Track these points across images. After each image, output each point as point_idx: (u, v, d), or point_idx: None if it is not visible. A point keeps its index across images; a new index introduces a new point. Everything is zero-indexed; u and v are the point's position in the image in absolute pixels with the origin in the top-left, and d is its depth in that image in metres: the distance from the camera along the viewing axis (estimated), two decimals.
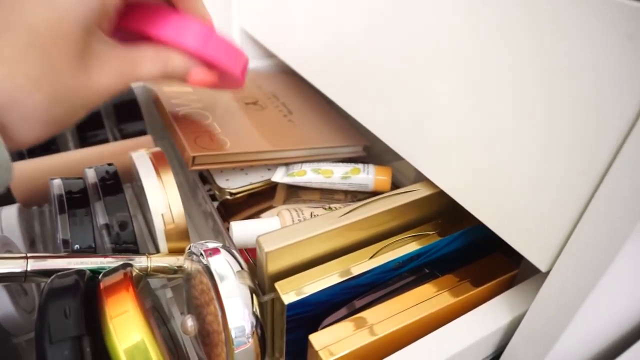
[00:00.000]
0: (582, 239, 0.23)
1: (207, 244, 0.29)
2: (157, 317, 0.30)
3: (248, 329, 0.26)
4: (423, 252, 0.33)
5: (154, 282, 0.35)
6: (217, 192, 0.43)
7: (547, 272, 0.25)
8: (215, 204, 0.44)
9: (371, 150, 0.50)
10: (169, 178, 0.35)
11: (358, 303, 0.32)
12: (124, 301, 0.25)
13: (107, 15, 0.27)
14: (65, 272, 0.27)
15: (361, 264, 0.31)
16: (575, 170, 0.22)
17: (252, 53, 0.62)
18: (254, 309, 0.26)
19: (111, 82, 0.28)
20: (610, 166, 0.21)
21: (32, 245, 0.40)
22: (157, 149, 0.39)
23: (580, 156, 0.22)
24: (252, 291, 0.27)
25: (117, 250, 0.34)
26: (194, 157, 0.39)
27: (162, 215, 0.34)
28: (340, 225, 0.31)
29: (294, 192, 0.46)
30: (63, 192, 0.35)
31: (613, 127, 0.20)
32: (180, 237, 0.35)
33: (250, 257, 0.39)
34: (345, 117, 0.52)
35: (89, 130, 0.48)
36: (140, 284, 0.29)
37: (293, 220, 0.37)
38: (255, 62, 0.61)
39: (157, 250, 0.35)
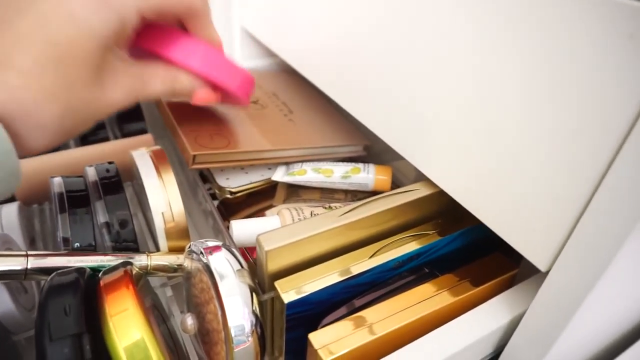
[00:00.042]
0: (582, 239, 0.23)
1: (207, 242, 0.29)
2: (157, 315, 0.30)
3: (248, 327, 0.26)
4: (423, 252, 0.33)
5: (154, 281, 0.36)
6: (217, 191, 0.43)
7: (547, 272, 0.25)
8: (216, 202, 0.44)
9: (371, 149, 0.50)
10: (170, 177, 0.35)
11: (358, 302, 0.32)
12: (124, 299, 0.25)
13: (126, 35, 0.28)
14: (66, 270, 0.27)
15: (361, 263, 0.31)
16: (575, 170, 0.22)
17: (252, 52, 0.62)
18: (254, 308, 0.26)
19: (122, 97, 0.29)
20: (610, 166, 0.21)
21: (32, 243, 0.40)
22: (158, 147, 0.39)
23: (580, 156, 0.22)
24: (252, 290, 0.27)
25: (117, 249, 0.34)
26: (194, 156, 0.39)
27: (163, 213, 0.34)
28: (340, 224, 0.31)
29: (294, 191, 0.46)
30: (63, 190, 0.35)
31: (613, 127, 0.20)
32: (180, 235, 0.35)
33: (250, 255, 0.39)
34: (345, 117, 0.52)
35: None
36: (140, 282, 0.29)
37: (293, 219, 0.37)
38: (256, 61, 0.61)
39: (157, 249, 0.35)
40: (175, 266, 0.33)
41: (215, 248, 0.28)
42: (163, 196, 0.34)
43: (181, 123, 0.43)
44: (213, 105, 0.41)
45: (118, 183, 0.36)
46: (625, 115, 0.20)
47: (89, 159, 0.40)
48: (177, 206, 0.35)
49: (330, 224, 0.31)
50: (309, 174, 0.43)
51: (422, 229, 0.34)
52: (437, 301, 0.30)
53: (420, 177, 0.34)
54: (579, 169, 0.22)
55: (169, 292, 0.35)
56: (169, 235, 0.35)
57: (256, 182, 0.44)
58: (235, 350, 0.26)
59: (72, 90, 0.25)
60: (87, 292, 0.26)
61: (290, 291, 0.29)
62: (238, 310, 0.26)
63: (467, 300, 0.31)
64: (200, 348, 0.32)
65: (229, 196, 0.42)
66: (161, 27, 0.32)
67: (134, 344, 0.24)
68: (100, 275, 0.27)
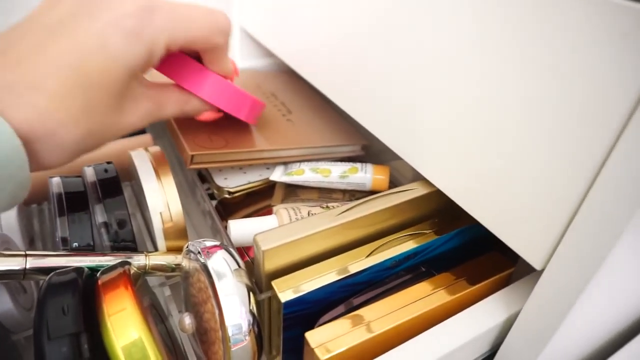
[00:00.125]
0: (576, 237, 0.23)
1: (205, 242, 0.29)
2: (155, 314, 0.30)
3: (245, 326, 0.26)
4: (420, 251, 0.33)
5: (152, 280, 0.36)
6: (215, 191, 0.43)
7: (542, 270, 0.25)
8: (214, 202, 0.44)
9: (369, 149, 0.50)
10: (168, 177, 0.36)
11: (355, 301, 0.32)
12: (122, 299, 0.25)
13: (151, 65, 0.29)
14: (64, 269, 0.27)
15: (358, 262, 0.31)
16: (569, 169, 0.22)
17: (251, 52, 0.62)
18: (251, 307, 0.27)
19: (139, 120, 0.30)
20: (604, 166, 0.21)
21: (31, 243, 0.40)
22: (156, 147, 0.39)
23: (575, 156, 0.22)
24: (250, 289, 0.27)
25: (115, 249, 0.34)
26: (192, 156, 0.39)
27: (161, 213, 0.34)
28: (337, 223, 0.31)
29: (292, 191, 0.46)
30: (62, 191, 0.35)
31: (606, 126, 0.20)
32: (178, 235, 0.35)
33: (247, 255, 0.39)
34: (344, 117, 0.52)
35: None
36: (139, 282, 0.29)
37: (291, 219, 0.37)
38: (255, 61, 0.62)
39: (156, 249, 0.35)
40: (173, 266, 0.34)
41: (213, 248, 0.28)
42: (161, 196, 0.35)
43: (179, 123, 0.43)
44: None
45: (116, 183, 0.36)
46: (618, 115, 0.20)
47: (88, 159, 0.40)
48: (176, 206, 0.35)
49: (327, 224, 0.31)
50: (307, 174, 0.43)
51: (418, 228, 0.34)
52: (433, 300, 0.31)
53: (418, 177, 0.35)
54: (573, 168, 0.22)
55: (167, 291, 0.35)
56: (167, 235, 0.35)
57: (254, 182, 0.44)
58: (232, 349, 0.26)
59: (94, 115, 0.26)
60: (86, 291, 0.26)
61: (288, 290, 0.29)
62: (235, 310, 0.26)
63: (463, 299, 0.31)
64: (198, 347, 0.32)
65: (227, 196, 0.43)
66: (177, 56, 0.34)
67: (132, 343, 0.24)
68: (98, 274, 0.27)
